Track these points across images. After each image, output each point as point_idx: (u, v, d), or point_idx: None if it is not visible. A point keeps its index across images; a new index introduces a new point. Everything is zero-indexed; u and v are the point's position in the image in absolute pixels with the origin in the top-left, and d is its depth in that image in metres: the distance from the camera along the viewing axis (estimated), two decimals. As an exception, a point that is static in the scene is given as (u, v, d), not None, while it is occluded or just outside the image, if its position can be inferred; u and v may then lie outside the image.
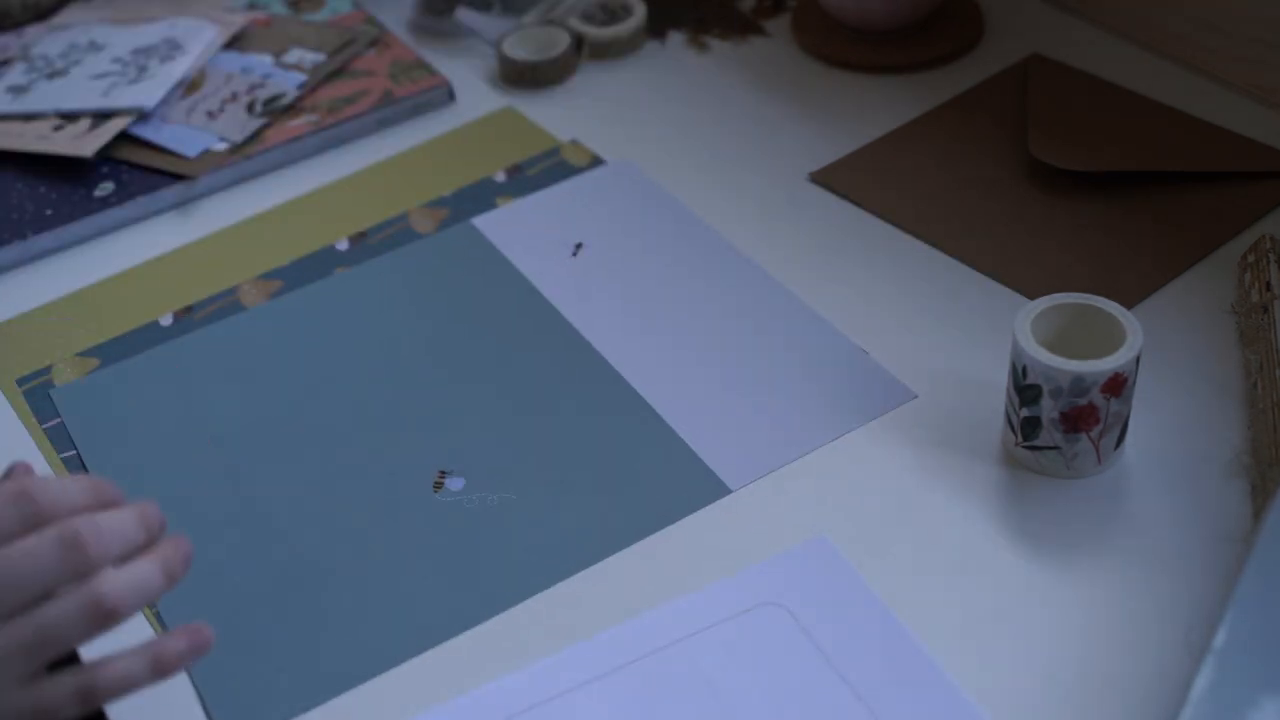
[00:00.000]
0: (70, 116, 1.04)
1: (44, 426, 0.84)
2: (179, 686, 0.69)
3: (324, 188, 1.00)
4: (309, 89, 1.07)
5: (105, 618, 0.54)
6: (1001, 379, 0.76)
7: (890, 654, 0.66)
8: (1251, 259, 0.84)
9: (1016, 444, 0.75)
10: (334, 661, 0.70)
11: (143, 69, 1.08)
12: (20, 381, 0.87)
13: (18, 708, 0.53)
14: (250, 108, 1.05)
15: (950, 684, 0.64)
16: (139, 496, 0.59)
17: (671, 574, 0.72)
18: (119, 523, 0.56)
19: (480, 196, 0.98)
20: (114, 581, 0.54)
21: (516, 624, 0.70)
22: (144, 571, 0.55)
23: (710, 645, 0.68)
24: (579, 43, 1.10)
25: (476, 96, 1.08)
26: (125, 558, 0.55)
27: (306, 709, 0.68)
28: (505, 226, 0.93)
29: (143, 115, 1.04)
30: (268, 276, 0.93)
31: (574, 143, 1.01)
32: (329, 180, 1.01)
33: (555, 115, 1.05)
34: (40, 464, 0.82)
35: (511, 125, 1.04)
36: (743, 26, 1.13)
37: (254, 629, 0.71)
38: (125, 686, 0.55)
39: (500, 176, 0.99)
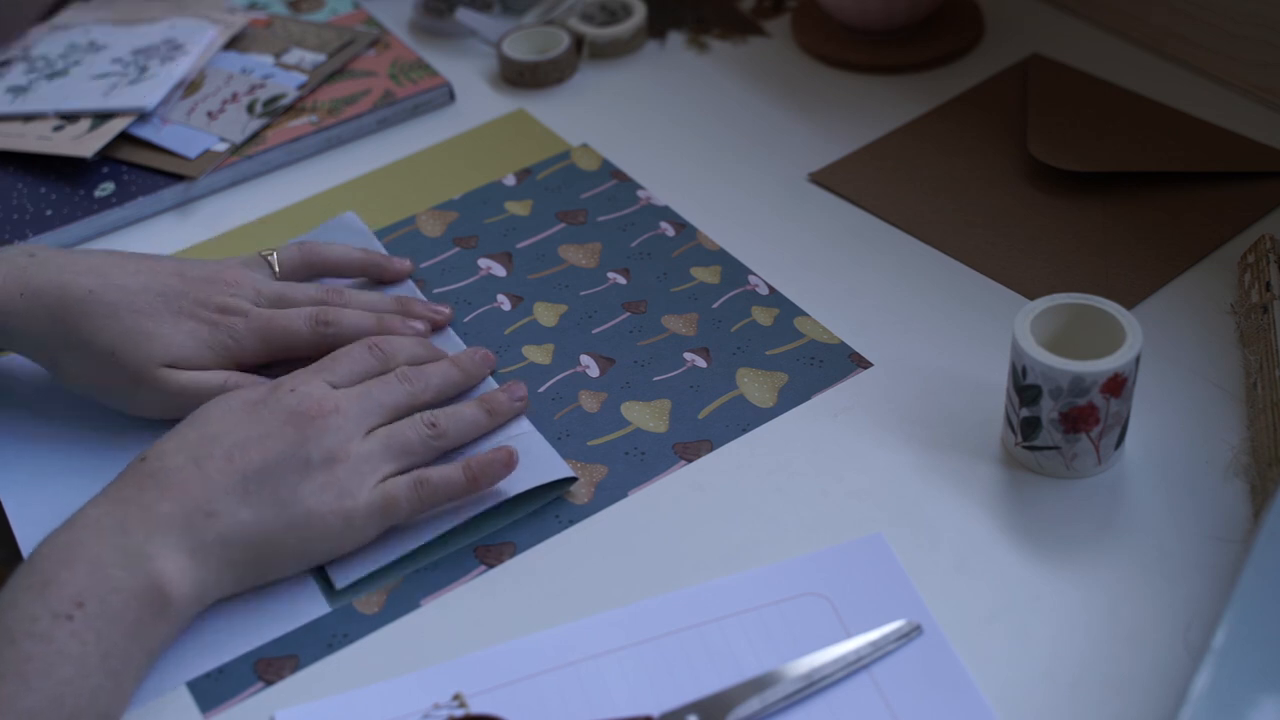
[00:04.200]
0: (70, 117, 1.04)
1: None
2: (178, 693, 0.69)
3: (331, 189, 1.00)
4: (309, 89, 1.07)
5: (435, 436, 0.75)
6: (1001, 379, 0.76)
7: (925, 661, 0.66)
8: (1251, 259, 0.84)
9: (1016, 444, 0.75)
10: None
11: (143, 69, 1.08)
12: (21, 382, 0.88)
13: (370, 500, 0.72)
14: (250, 108, 1.05)
15: (984, 705, 0.64)
16: None
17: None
18: (441, 370, 0.79)
19: (490, 200, 0.98)
20: (443, 412, 0.76)
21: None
22: (467, 411, 0.77)
23: (745, 628, 0.68)
24: (579, 43, 1.10)
25: (477, 96, 1.08)
26: (450, 392, 0.80)
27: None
28: None
29: (143, 115, 1.04)
30: (268, 277, 0.93)
31: (584, 146, 1.01)
32: (330, 180, 1.01)
33: (555, 115, 1.05)
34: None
35: (521, 128, 1.04)
36: (743, 26, 1.13)
37: None
38: (448, 482, 0.73)
39: (510, 180, 0.99)
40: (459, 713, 0.66)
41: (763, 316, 0.86)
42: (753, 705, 0.64)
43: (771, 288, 0.88)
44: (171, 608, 0.67)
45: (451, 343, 0.86)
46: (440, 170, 1.01)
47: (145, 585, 0.66)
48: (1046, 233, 0.90)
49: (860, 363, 0.82)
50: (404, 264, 0.91)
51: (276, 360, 0.83)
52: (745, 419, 0.80)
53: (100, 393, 0.81)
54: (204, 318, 0.80)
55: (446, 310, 0.87)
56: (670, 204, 0.95)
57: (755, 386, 0.82)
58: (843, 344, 0.84)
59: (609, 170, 0.99)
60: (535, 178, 0.99)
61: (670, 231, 0.93)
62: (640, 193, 0.97)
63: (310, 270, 0.88)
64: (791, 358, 0.83)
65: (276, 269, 0.86)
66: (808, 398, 0.81)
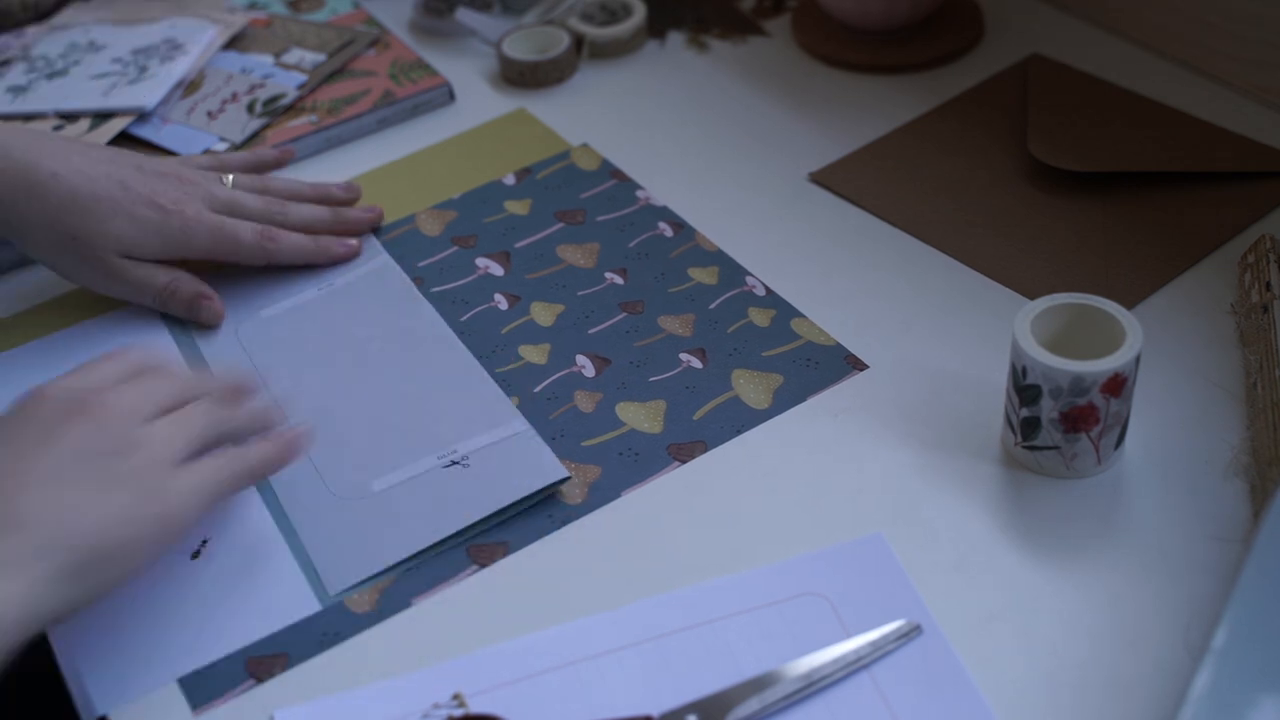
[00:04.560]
0: (70, 116, 1.04)
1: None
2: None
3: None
4: (309, 89, 1.07)
5: (221, 421, 0.71)
6: (1001, 379, 0.76)
7: (925, 661, 0.66)
8: (1251, 259, 0.84)
9: (1016, 444, 0.75)
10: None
11: (143, 69, 1.08)
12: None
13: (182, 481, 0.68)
14: (250, 108, 1.05)
15: (983, 705, 0.64)
16: None
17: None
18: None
19: (489, 199, 0.97)
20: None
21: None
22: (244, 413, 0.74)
23: (745, 628, 0.68)
24: (579, 43, 1.10)
25: (477, 96, 1.08)
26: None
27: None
28: None
29: (143, 115, 1.04)
30: (268, 276, 0.93)
31: (584, 146, 1.01)
32: (329, 179, 1.01)
33: (555, 115, 1.05)
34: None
35: (522, 127, 1.04)
36: (743, 26, 1.13)
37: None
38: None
39: (509, 179, 0.99)
40: (459, 713, 0.66)
41: (759, 318, 0.86)
42: (752, 705, 0.64)
43: (769, 289, 0.88)
44: None
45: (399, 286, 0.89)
46: (440, 169, 1.01)
47: None
48: (1046, 233, 0.90)
49: (856, 364, 0.82)
50: (354, 189, 0.97)
51: (220, 264, 0.90)
52: (740, 420, 0.80)
53: (62, 271, 0.88)
54: (158, 206, 0.86)
55: (378, 209, 0.95)
56: (670, 204, 0.95)
57: (750, 388, 0.82)
58: (839, 345, 0.84)
59: (608, 170, 0.99)
60: (535, 177, 0.99)
61: (669, 232, 0.93)
62: (639, 193, 0.96)
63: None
64: (787, 359, 0.83)
65: (229, 186, 0.92)
66: (803, 399, 0.81)
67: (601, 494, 0.76)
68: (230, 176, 0.92)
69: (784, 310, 0.86)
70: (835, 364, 0.83)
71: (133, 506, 0.66)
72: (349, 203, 0.95)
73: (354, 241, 0.92)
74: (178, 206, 0.87)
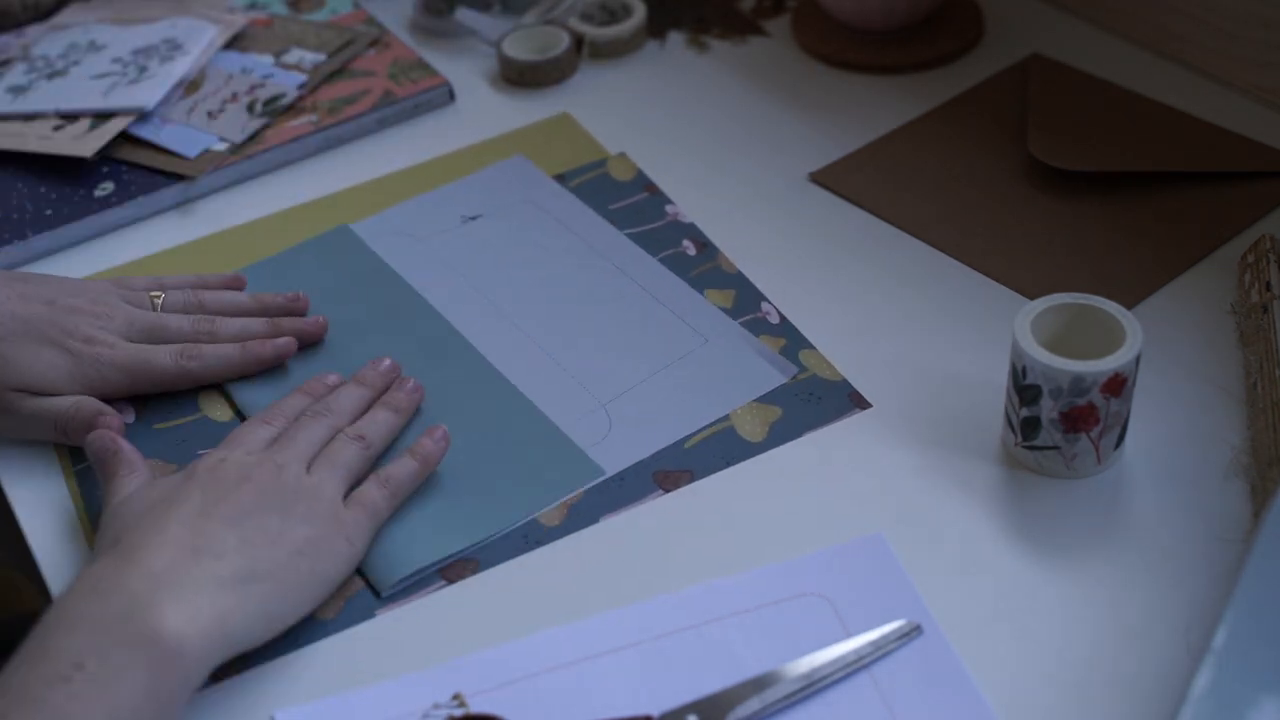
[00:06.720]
0: (70, 116, 1.04)
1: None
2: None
3: (335, 194, 1.00)
4: (309, 89, 1.07)
5: (366, 448, 0.76)
6: (1001, 379, 0.76)
7: (925, 661, 0.66)
8: (1251, 259, 0.84)
9: (1016, 444, 0.75)
10: None
11: (143, 69, 1.08)
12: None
13: (354, 514, 0.73)
14: (250, 108, 1.05)
15: (984, 705, 0.64)
16: None
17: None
18: (349, 393, 0.80)
19: None
20: (363, 424, 0.78)
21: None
22: (380, 415, 0.79)
23: (745, 628, 0.68)
24: (579, 43, 1.10)
25: (477, 96, 1.08)
26: (360, 410, 0.80)
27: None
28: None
29: (143, 115, 1.04)
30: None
31: (621, 156, 1.00)
32: (328, 180, 1.01)
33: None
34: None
35: (563, 131, 1.03)
36: (743, 26, 1.13)
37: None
38: (409, 472, 0.76)
39: None
40: (459, 712, 0.66)
41: (769, 346, 0.84)
42: (753, 705, 0.64)
43: (783, 316, 0.86)
44: (181, 659, 0.63)
45: None
46: (473, 171, 1.00)
47: (150, 637, 0.63)
48: (1046, 233, 0.90)
49: (860, 403, 0.80)
50: (299, 299, 0.89)
51: (141, 393, 0.83)
52: (730, 452, 0.78)
53: None
54: (67, 346, 0.80)
55: (321, 320, 0.87)
56: (667, 196, 0.95)
57: (747, 419, 0.80)
58: (844, 381, 0.81)
59: (642, 183, 0.97)
60: (568, 184, 0.98)
61: (691, 250, 0.91)
62: (669, 208, 0.95)
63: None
64: (790, 392, 0.81)
65: (158, 311, 0.86)
66: (799, 435, 0.79)
67: (586, 515, 0.76)
68: (161, 297, 0.86)
69: (794, 340, 0.84)
70: (838, 400, 0.80)
71: (315, 540, 0.70)
72: (293, 312, 0.88)
73: (283, 340, 0.84)
74: (89, 345, 0.80)
